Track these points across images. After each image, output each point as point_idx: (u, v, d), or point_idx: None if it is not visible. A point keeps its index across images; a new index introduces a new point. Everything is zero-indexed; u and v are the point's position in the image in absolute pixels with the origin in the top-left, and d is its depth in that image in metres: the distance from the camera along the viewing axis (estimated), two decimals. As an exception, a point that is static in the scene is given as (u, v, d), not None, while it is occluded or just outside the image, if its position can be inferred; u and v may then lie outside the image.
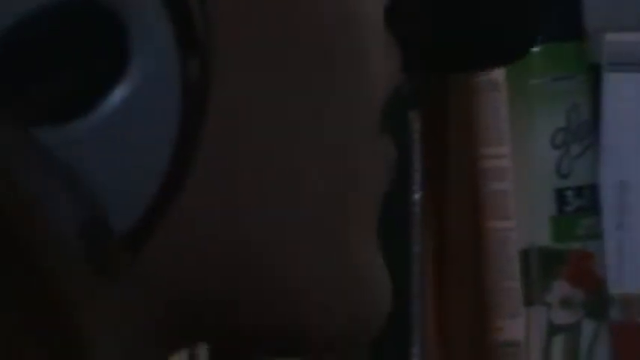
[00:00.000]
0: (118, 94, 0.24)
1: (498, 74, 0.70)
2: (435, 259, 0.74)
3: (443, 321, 0.71)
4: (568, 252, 0.71)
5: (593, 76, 0.71)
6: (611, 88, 0.72)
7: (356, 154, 0.29)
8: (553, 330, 0.71)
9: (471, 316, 0.70)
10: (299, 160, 0.28)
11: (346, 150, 0.29)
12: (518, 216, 0.71)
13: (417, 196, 0.74)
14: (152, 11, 0.24)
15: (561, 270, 0.71)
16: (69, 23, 0.23)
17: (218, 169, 0.27)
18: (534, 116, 0.70)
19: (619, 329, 0.72)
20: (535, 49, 0.71)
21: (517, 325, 0.71)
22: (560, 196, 0.71)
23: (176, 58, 0.24)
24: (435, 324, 0.71)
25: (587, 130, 0.71)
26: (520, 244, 0.71)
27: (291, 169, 0.28)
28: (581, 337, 0.71)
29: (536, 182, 0.71)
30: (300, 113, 0.28)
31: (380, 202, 0.30)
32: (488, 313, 0.71)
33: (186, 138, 0.25)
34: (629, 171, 0.72)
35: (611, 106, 0.72)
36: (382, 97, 0.30)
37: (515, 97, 0.70)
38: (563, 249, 0.71)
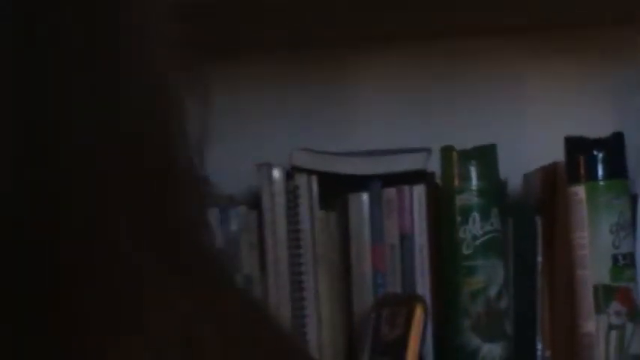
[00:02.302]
0: None
1: (581, 194, 1.38)
2: (550, 291, 1.41)
3: (552, 319, 1.38)
4: (619, 287, 1.37)
5: (633, 199, 1.38)
6: (640, 204, 1.39)
7: None
8: (611, 327, 1.37)
9: (567, 316, 1.37)
10: None
11: None
12: (592, 267, 1.37)
13: (539, 259, 1.42)
14: None
15: (615, 296, 1.37)
16: None
17: None
18: (600, 216, 1.37)
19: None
20: (602, 183, 1.38)
21: (591, 324, 1.36)
22: (614, 258, 1.37)
23: None
24: (549, 321, 1.39)
25: (628, 225, 1.37)
26: (593, 283, 1.37)
27: None
28: (625, 332, 1.36)
29: (602, 250, 1.37)
30: None
31: None
32: (577, 318, 1.37)
33: None
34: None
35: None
36: None
37: (591, 207, 1.38)
38: (616, 285, 1.37)
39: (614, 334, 1.36)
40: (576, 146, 1.37)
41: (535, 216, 1.42)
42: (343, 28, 1.45)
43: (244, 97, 1.49)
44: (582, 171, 1.36)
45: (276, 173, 1.39)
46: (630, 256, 1.37)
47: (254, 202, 1.40)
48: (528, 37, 1.50)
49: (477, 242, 1.37)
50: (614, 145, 1.37)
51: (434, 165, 1.41)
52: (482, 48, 1.50)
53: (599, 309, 1.36)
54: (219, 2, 1.28)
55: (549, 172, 1.41)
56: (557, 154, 1.38)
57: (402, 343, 1.35)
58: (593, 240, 1.36)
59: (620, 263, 1.36)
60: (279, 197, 1.39)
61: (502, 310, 1.39)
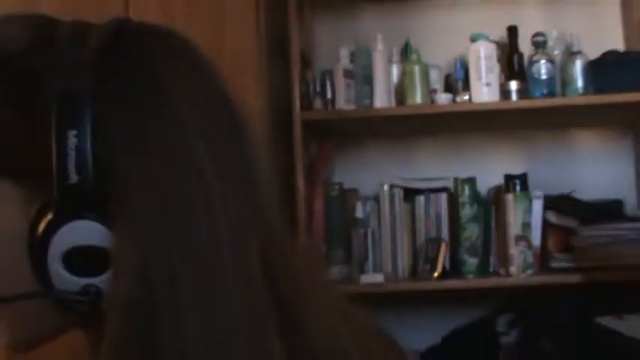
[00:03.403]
0: None
1: (510, 198, 3.35)
2: (497, 238, 3.39)
3: (498, 249, 3.36)
4: (524, 236, 3.33)
5: (530, 201, 3.37)
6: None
7: None
8: (520, 252, 3.33)
9: (503, 247, 3.35)
10: None
11: None
12: (514, 228, 3.32)
13: (492, 224, 3.41)
14: None
15: (523, 239, 3.33)
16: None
17: None
18: (518, 207, 3.34)
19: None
20: (519, 193, 3.35)
21: (513, 250, 3.32)
22: (523, 224, 3.33)
23: None
24: (496, 249, 3.37)
25: (529, 212, 3.35)
26: (514, 234, 3.33)
27: None
28: (525, 255, 3.33)
29: (519, 220, 3.33)
30: None
31: None
32: (507, 248, 3.33)
33: None
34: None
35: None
36: None
37: (515, 204, 3.35)
38: (523, 235, 3.32)
39: (522, 255, 3.32)
40: (508, 178, 3.30)
41: (491, 207, 3.34)
42: (413, 127, 3.49)
43: (379, 156, 3.54)
44: (510, 188, 3.31)
45: (385, 187, 3.39)
46: (529, 224, 3.32)
47: (376, 198, 3.41)
48: (497, 133, 3.53)
49: (468, 217, 3.30)
50: (523, 177, 3.34)
51: (450, 185, 3.41)
52: (467, 140, 3.53)
53: (517, 244, 3.28)
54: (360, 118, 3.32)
55: (498, 188, 3.31)
56: (500, 181, 3.36)
57: (436, 259, 3.32)
58: (512, 218, 3.32)
59: (526, 226, 3.32)
60: (386, 198, 3.39)
61: (477, 245, 3.30)
